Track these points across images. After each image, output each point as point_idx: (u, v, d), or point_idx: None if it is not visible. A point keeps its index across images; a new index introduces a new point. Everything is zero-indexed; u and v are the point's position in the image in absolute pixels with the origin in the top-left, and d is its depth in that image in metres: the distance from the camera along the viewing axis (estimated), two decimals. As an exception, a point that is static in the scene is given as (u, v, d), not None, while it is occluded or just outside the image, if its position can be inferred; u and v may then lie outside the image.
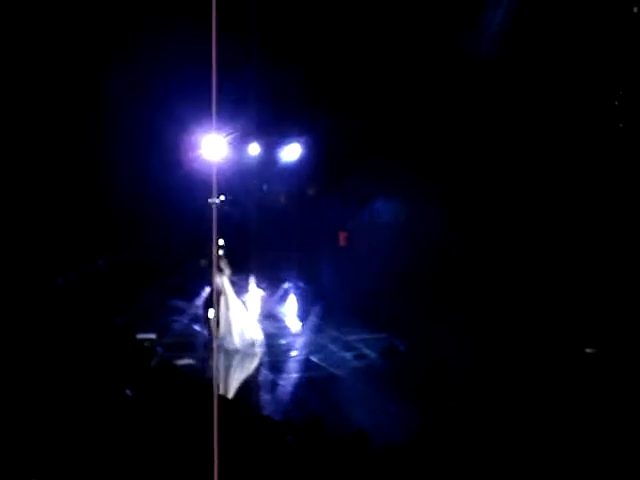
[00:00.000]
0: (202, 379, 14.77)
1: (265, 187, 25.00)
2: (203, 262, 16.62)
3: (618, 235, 18.07)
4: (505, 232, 19.82)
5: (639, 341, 15.35)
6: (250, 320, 16.90)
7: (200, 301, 17.46)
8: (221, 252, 16.58)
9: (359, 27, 21.43)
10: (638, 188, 17.87)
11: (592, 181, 18.52)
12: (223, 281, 16.48)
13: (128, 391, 12.79)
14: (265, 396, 13.90)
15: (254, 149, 24.29)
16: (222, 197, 23.67)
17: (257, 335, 16.72)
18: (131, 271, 21.86)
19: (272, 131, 23.82)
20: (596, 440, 11.10)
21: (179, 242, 22.40)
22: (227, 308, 16.49)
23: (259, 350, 16.48)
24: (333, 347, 16.69)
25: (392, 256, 21.07)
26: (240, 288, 18.81)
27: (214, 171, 23.29)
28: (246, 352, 16.36)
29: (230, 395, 14.09)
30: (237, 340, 16.49)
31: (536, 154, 19.22)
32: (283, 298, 21.16)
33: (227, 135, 21.89)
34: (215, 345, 16.41)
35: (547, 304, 17.58)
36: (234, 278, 17.34)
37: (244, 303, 17.53)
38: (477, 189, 20.51)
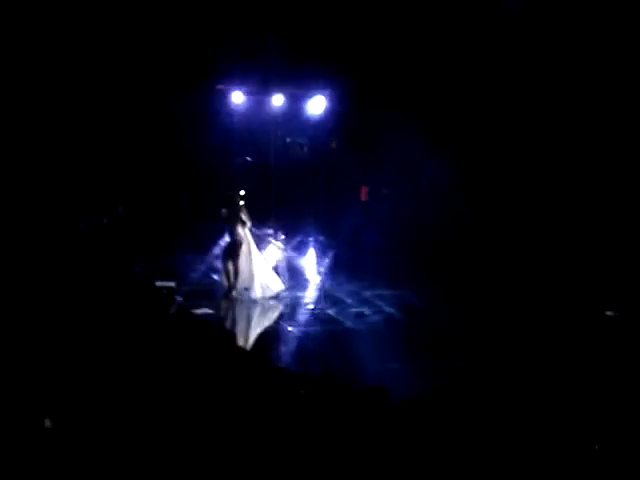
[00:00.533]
0: (219, 329, 14.86)
1: (288, 139, 24.91)
2: (224, 212, 16.57)
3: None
4: (523, 197, 19.79)
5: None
6: (269, 271, 16.87)
7: (220, 251, 17.42)
8: (242, 203, 16.54)
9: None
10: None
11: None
12: (244, 232, 16.45)
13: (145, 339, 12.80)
14: (282, 348, 13.88)
15: (278, 100, 24.19)
16: (248, 158, 23.98)
17: (276, 287, 16.70)
18: (152, 220, 21.95)
19: (297, 83, 23.71)
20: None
21: (203, 194, 22.47)
22: (247, 259, 16.46)
23: (277, 302, 16.48)
24: (350, 301, 16.67)
25: (410, 217, 21.10)
26: (260, 239, 18.83)
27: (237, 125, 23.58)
28: (264, 303, 16.37)
29: (247, 345, 14.08)
30: (255, 291, 16.50)
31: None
32: (303, 251, 21.16)
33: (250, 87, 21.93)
34: (233, 295, 16.44)
35: (566, 267, 17.58)
36: (255, 229, 17.31)
37: (264, 254, 17.53)
38: (493, 156, 20.47)
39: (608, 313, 15.41)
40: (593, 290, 16.45)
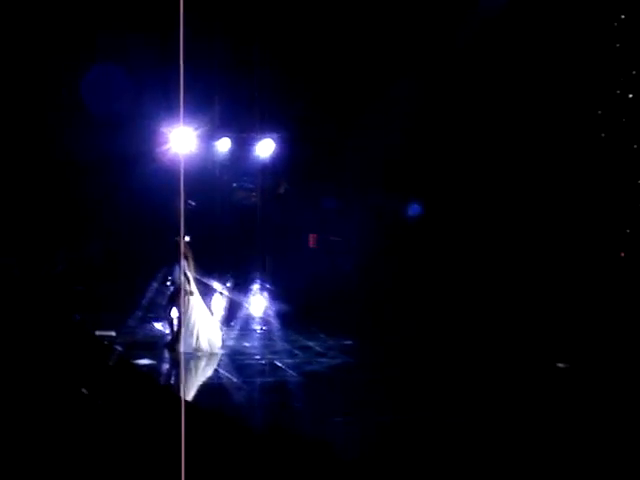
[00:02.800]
0: (161, 380, 14.43)
1: (235, 184, 24.68)
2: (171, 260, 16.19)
3: (592, 251, 17.98)
4: (475, 244, 19.69)
5: (611, 357, 15.26)
6: (214, 321, 16.50)
7: (163, 300, 17.01)
8: (186, 249, 16.17)
9: (332, 27, 21.27)
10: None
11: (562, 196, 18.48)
12: (188, 280, 16.03)
13: (84, 389, 12.44)
14: (225, 400, 13.47)
15: (224, 144, 23.92)
16: (192, 202, 23.66)
17: (220, 337, 16.32)
18: (94, 266, 21.56)
19: (244, 126, 23.51)
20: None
21: (144, 238, 22.10)
22: (191, 308, 16.03)
23: (221, 352, 16.09)
24: (298, 351, 16.37)
25: (357, 262, 20.94)
26: (205, 288, 18.45)
27: (182, 167, 23.29)
28: (208, 354, 15.95)
29: (189, 398, 13.65)
30: (199, 341, 16.06)
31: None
32: (249, 299, 20.88)
33: (196, 129, 21.64)
34: (176, 346, 16.01)
35: (518, 317, 17.46)
36: (199, 277, 16.94)
37: (209, 303, 17.15)
38: (443, 210, 20.40)
39: (559, 365, 15.27)
40: (544, 341, 16.31)
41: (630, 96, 17.77)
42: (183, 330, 15.96)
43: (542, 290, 18.04)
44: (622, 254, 17.64)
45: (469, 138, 19.73)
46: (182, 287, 15.88)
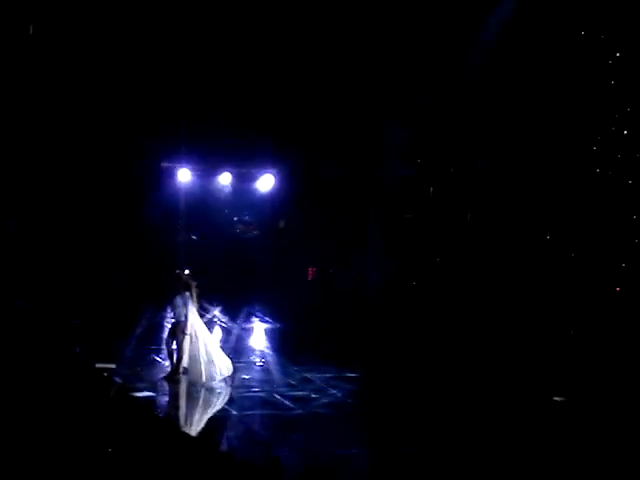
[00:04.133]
0: (161, 413, 14.45)
1: (236, 218, 24.79)
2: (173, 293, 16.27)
3: (588, 286, 18.11)
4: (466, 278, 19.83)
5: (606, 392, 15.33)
6: (217, 353, 16.50)
7: (165, 332, 17.08)
8: (189, 282, 16.26)
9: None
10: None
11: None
12: (190, 312, 16.10)
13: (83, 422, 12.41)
14: (226, 433, 13.50)
15: (225, 178, 24.11)
16: (194, 236, 23.81)
17: (224, 370, 16.33)
18: (97, 297, 21.56)
19: (245, 161, 23.68)
20: None
21: (148, 272, 22.16)
22: (192, 340, 16.09)
23: (222, 385, 16.12)
24: (297, 383, 16.39)
25: (356, 297, 21.02)
26: (207, 320, 18.49)
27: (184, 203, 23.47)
28: (209, 387, 15.98)
29: (189, 430, 13.70)
30: (200, 374, 16.10)
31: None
32: (250, 332, 20.88)
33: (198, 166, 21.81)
34: (177, 378, 16.05)
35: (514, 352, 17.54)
36: (201, 310, 16.99)
37: (210, 336, 17.18)
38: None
39: (556, 398, 15.32)
40: (541, 375, 16.37)
41: (625, 132, 17.98)
42: (188, 361, 16.01)
43: (541, 324, 18.15)
44: (617, 289, 17.79)
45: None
46: (184, 320, 15.98)
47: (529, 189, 19.29)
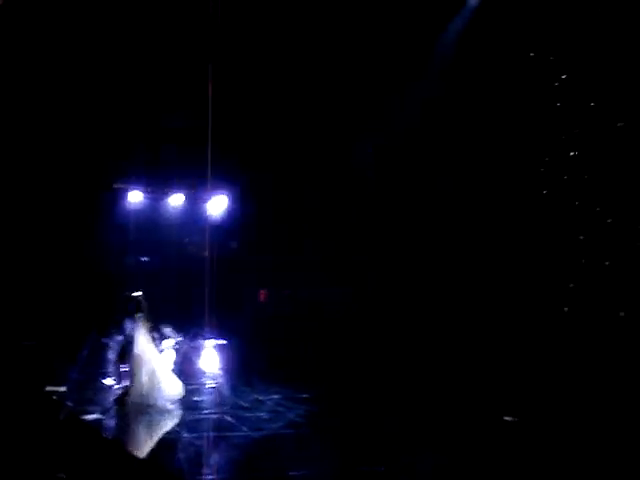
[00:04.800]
0: (111, 436, 14.35)
1: (187, 240, 24.71)
2: (119, 315, 16.22)
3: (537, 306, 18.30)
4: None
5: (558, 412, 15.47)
6: (168, 375, 16.44)
7: (113, 353, 16.97)
8: (139, 304, 16.21)
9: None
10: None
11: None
12: (140, 334, 16.05)
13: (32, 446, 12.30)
14: (176, 456, 13.42)
15: (177, 199, 24.04)
16: (144, 258, 23.66)
17: (174, 391, 16.27)
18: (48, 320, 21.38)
19: (197, 182, 23.61)
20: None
21: (99, 294, 22.01)
22: (142, 362, 16.03)
23: (173, 406, 16.05)
24: (248, 405, 16.35)
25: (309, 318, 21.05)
26: (157, 342, 18.40)
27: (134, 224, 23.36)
28: (159, 409, 15.90)
29: (139, 453, 13.61)
30: (150, 395, 16.03)
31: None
32: (202, 354, 20.79)
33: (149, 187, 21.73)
34: (128, 400, 15.95)
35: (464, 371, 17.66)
36: (151, 331, 16.92)
37: (160, 357, 17.11)
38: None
39: (506, 418, 15.42)
40: (491, 395, 16.48)
41: (572, 154, 18.22)
42: (136, 384, 15.93)
43: (490, 344, 18.29)
44: (565, 309, 17.98)
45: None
46: (133, 342, 15.92)
47: (477, 209, 19.47)
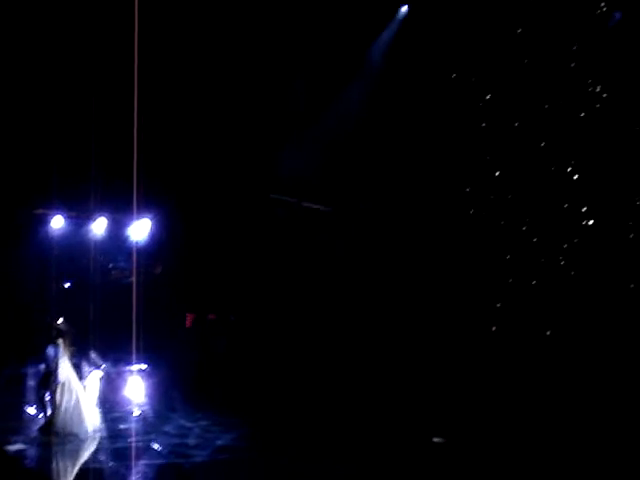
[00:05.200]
0: (34, 466, 14.04)
1: (111, 265, 24.37)
2: (41, 343, 15.88)
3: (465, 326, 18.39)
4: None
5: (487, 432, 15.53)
6: (90, 403, 16.14)
7: (36, 381, 16.61)
8: (62, 331, 15.90)
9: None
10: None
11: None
12: (62, 362, 15.73)
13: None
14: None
15: (101, 224, 23.69)
16: (66, 284, 23.27)
17: (96, 419, 15.97)
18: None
19: (121, 206, 23.32)
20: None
21: (20, 322, 21.60)
22: (66, 390, 15.70)
23: (98, 435, 15.74)
24: (175, 432, 16.14)
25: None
26: (81, 369, 18.09)
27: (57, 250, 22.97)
28: (84, 437, 15.57)
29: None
30: (75, 424, 15.70)
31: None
32: (128, 381, 20.49)
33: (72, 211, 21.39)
34: (51, 429, 15.60)
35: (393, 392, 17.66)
36: (75, 358, 16.62)
37: (84, 385, 16.79)
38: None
39: (435, 439, 15.41)
40: (420, 416, 16.47)
41: (497, 174, 18.39)
42: (59, 413, 15.61)
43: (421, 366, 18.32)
44: (493, 328, 18.08)
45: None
46: (56, 369, 15.60)
47: (402, 231, 19.54)
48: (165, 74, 20.68)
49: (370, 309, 19.57)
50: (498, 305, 18.12)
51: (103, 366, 20.56)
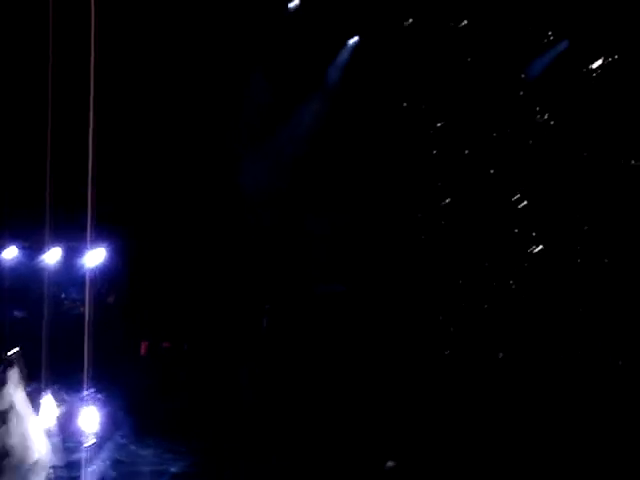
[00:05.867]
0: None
1: (63, 295, 24.28)
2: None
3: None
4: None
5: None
6: (40, 433, 16.00)
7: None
8: (12, 362, 15.79)
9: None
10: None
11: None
12: (11, 391, 15.60)
13: None
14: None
15: (54, 254, 23.59)
16: (18, 313, 23.09)
17: (47, 451, 15.83)
18: None
19: (75, 235, 23.24)
20: None
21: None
22: (14, 420, 15.56)
23: (48, 466, 15.59)
24: (130, 461, 16.04)
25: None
26: (32, 399, 17.94)
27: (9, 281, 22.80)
28: (33, 469, 15.42)
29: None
30: (26, 455, 15.55)
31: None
32: (81, 410, 20.34)
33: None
34: (1, 463, 15.43)
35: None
36: (26, 390, 16.47)
37: (34, 414, 16.65)
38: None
39: (389, 464, 15.43)
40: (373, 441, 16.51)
41: (447, 201, 18.61)
42: (13, 445, 15.45)
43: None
44: (446, 352, 18.23)
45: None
46: (7, 399, 15.48)
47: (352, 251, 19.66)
48: (120, 97, 20.74)
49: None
50: (451, 329, 18.27)
51: (57, 397, 20.45)
